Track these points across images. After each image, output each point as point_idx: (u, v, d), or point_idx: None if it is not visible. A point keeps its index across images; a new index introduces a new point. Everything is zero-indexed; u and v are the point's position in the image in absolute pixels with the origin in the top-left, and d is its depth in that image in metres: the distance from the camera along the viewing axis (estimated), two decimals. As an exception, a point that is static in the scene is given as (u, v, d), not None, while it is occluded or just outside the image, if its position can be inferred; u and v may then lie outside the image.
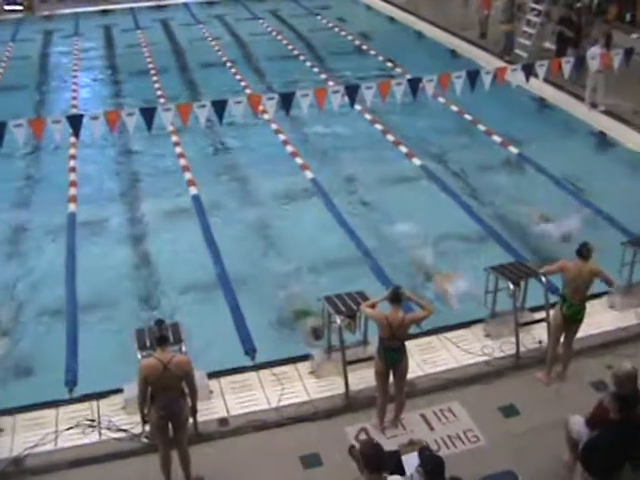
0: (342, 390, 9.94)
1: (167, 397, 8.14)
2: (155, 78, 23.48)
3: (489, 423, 9.55)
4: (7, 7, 32.35)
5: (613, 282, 10.52)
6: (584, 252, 9.73)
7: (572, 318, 9.91)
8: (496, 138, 18.51)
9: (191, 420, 8.62)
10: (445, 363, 10.62)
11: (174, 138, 18.31)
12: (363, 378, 9.98)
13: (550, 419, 9.25)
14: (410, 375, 9.57)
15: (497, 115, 19.59)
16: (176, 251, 13.80)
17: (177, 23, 30.85)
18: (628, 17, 26.35)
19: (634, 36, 24.31)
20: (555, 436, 8.83)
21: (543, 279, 10.85)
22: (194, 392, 8.38)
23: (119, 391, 9.92)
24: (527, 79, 15.31)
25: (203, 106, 13.45)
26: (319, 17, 31.37)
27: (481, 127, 19.21)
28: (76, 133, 13.01)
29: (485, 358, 10.70)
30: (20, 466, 8.97)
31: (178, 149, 17.92)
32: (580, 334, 10.37)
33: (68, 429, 9.48)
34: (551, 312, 10.43)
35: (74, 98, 22.20)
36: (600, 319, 11.50)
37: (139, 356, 9.23)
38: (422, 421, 9.57)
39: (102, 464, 8.99)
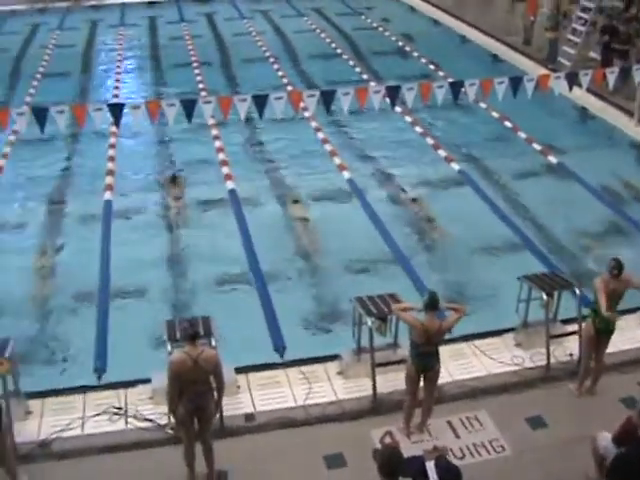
0: (370, 392, 9.84)
1: (195, 391, 8.11)
2: (197, 71, 23.66)
3: (515, 433, 9.42)
4: None
5: None
6: (616, 269, 9.59)
7: (604, 330, 9.78)
8: (536, 146, 18.34)
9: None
10: (474, 371, 10.50)
11: (214, 131, 18.38)
12: (391, 381, 9.88)
13: (577, 433, 9.12)
14: (439, 381, 9.51)
15: (538, 123, 19.43)
16: (211, 243, 13.84)
17: (222, 17, 31.05)
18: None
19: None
20: (581, 451, 8.65)
21: (577, 292, 10.72)
22: (221, 386, 8.33)
23: (147, 381, 9.94)
24: (570, 88, 15.13)
25: (244, 100, 13.39)
26: (363, 17, 31.40)
27: (521, 134, 19.04)
28: (117, 121, 13.03)
29: (515, 368, 10.57)
30: (46, 449, 9.05)
31: (217, 142, 17.97)
32: (612, 349, 10.23)
33: (95, 416, 9.54)
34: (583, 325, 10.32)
35: (116, 87, 22.48)
36: (633, 335, 11.32)
37: (169, 347, 9.21)
38: (448, 428, 9.48)
39: (127, 452, 9.03)
